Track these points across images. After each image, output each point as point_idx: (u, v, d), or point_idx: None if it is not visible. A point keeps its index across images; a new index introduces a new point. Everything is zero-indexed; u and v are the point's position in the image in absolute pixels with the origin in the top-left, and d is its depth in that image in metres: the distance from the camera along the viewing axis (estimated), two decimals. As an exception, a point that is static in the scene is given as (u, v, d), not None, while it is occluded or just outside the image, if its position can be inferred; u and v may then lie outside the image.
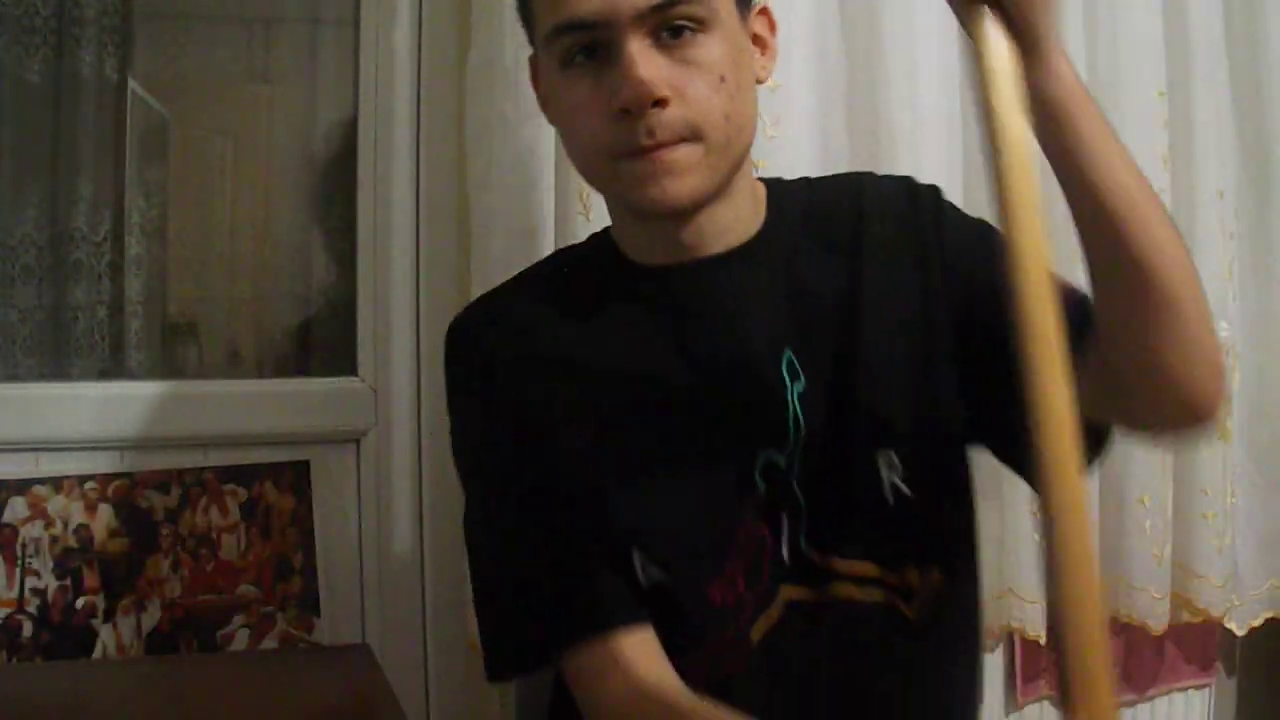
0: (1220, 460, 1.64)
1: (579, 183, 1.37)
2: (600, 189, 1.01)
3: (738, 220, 0.99)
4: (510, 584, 1.01)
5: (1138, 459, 1.60)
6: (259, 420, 1.51)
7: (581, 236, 1.32)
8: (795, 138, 1.42)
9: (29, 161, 1.59)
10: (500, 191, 1.40)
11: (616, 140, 0.91)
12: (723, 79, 0.91)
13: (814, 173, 1.46)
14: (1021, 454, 0.80)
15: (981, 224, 1.02)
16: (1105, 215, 0.89)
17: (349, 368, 1.58)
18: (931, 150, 1.49)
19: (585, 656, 0.96)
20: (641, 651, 0.96)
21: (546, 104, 1.01)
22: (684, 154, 0.91)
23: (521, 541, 1.00)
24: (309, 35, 1.72)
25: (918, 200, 1.04)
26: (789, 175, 1.40)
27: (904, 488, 0.98)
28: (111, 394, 1.50)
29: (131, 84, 1.62)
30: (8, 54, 1.55)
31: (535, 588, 0.99)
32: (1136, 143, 1.57)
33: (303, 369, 1.69)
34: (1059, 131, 0.86)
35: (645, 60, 0.88)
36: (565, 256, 1.14)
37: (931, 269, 1.00)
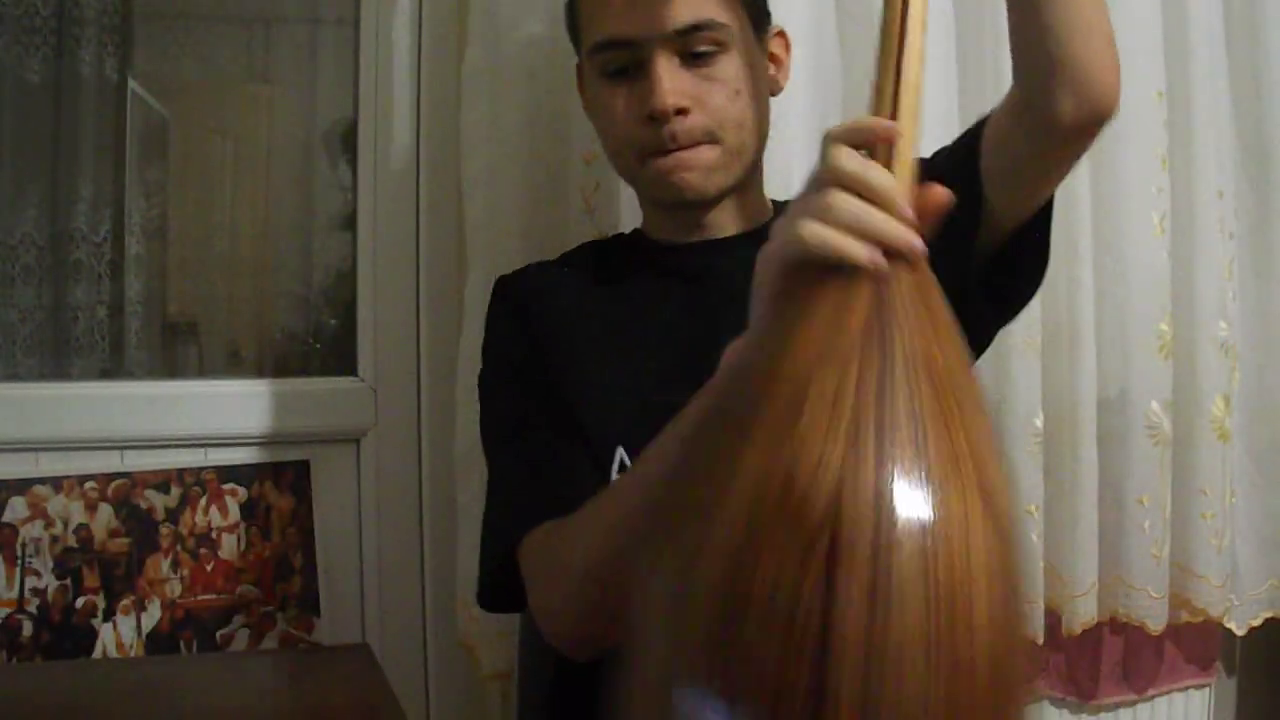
0: (1220, 460, 1.64)
1: (581, 182, 1.38)
2: (630, 181, 1.16)
3: (748, 211, 1.14)
4: (499, 482, 1.10)
5: (1137, 459, 1.60)
6: (259, 420, 1.51)
7: (584, 237, 1.33)
8: (794, 139, 1.42)
9: (29, 161, 1.59)
10: (500, 192, 1.40)
11: (645, 142, 1.07)
12: (738, 91, 1.07)
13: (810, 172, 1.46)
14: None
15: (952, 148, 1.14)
16: None
17: (349, 368, 1.58)
18: (929, 151, 1.49)
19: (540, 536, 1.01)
20: None
21: (590, 107, 1.16)
22: (703, 153, 1.07)
23: (519, 437, 1.09)
24: (309, 35, 1.72)
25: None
26: (787, 175, 1.41)
27: None
28: (111, 394, 1.50)
29: (131, 84, 1.62)
30: (8, 54, 1.55)
31: (521, 484, 1.07)
32: (1136, 143, 1.57)
33: (303, 369, 1.69)
34: None
35: (670, 75, 1.04)
36: (599, 241, 1.28)
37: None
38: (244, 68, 1.76)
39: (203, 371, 1.71)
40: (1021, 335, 1.52)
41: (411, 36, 1.54)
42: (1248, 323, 1.70)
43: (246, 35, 1.75)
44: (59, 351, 1.57)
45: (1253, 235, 1.71)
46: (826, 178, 0.74)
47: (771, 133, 1.39)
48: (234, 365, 1.73)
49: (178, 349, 1.70)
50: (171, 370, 1.68)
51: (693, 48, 1.05)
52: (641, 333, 1.12)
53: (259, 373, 1.71)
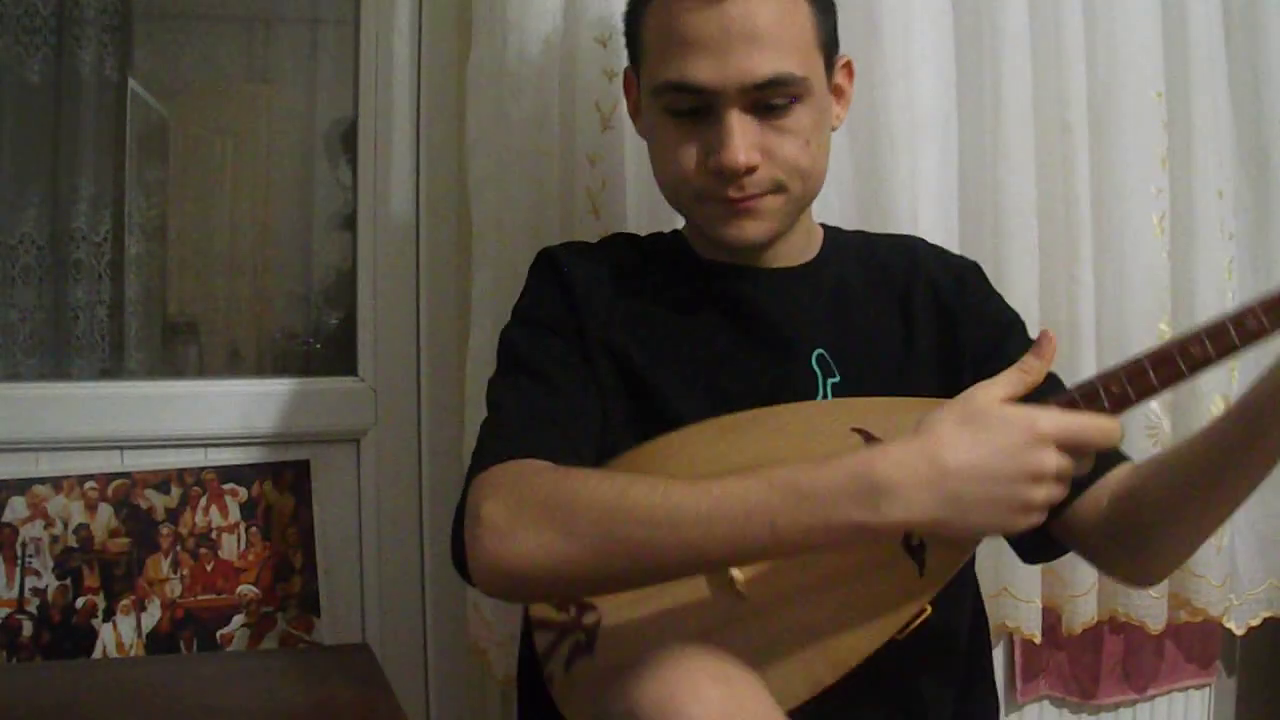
0: (1219, 460, 1.64)
1: (588, 182, 1.38)
2: (678, 210, 1.14)
3: (796, 247, 1.14)
4: (506, 405, 1.03)
5: (1135, 459, 1.60)
6: (259, 420, 1.51)
7: (590, 237, 1.33)
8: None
9: (29, 161, 1.59)
10: (506, 192, 1.40)
11: (706, 188, 1.05)
12: (807, 142, 1.05)
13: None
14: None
15: (1013, 313, 1.18)
16: (1245, 494, 0.98)
17: (349, 367, 1.58)
18: (929, 150, 1.49)
19: (508, 469, 0.94)
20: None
21: (640, 119, 1.14)
22: (766, 202, 1.05)
23: (533, 372, 1.04)
24: (309, 35, 1.73)
25: (969, 271, 1.20)
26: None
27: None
28: (111, 393, 1.50)
29: (131, 84, 1.62)
30: (8, 54, 1.55)
31: (520, 411, 1.02)
32: (1136, 143, 1.57)
33: (303, 369, 1.69)
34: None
35: (742, 130, 1.01)
36: (639, 240, 1.23)
37: (969, 331, 1.12)
38: (244, 67, 1.76)
39: (203, 371, 1.71)
40: (1021, 335, 1.52)
41: (411, 36, 1.54)
42: (1247, 323, 1.70)
43: (246, 35, 1.75)
44: (59, 351, 1.57)
45: (1252, 235, 1.71)
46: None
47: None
48: (234, 365, 1.73)
49: (178, 349, 1.70)
50: (172, 370, 1.68)
51: (768, 100, 1.02)
52: (677, 347, 1.09)
53: (259, 372, 1.71)
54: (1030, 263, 1.53)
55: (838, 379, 1.08)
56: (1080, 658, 1.72)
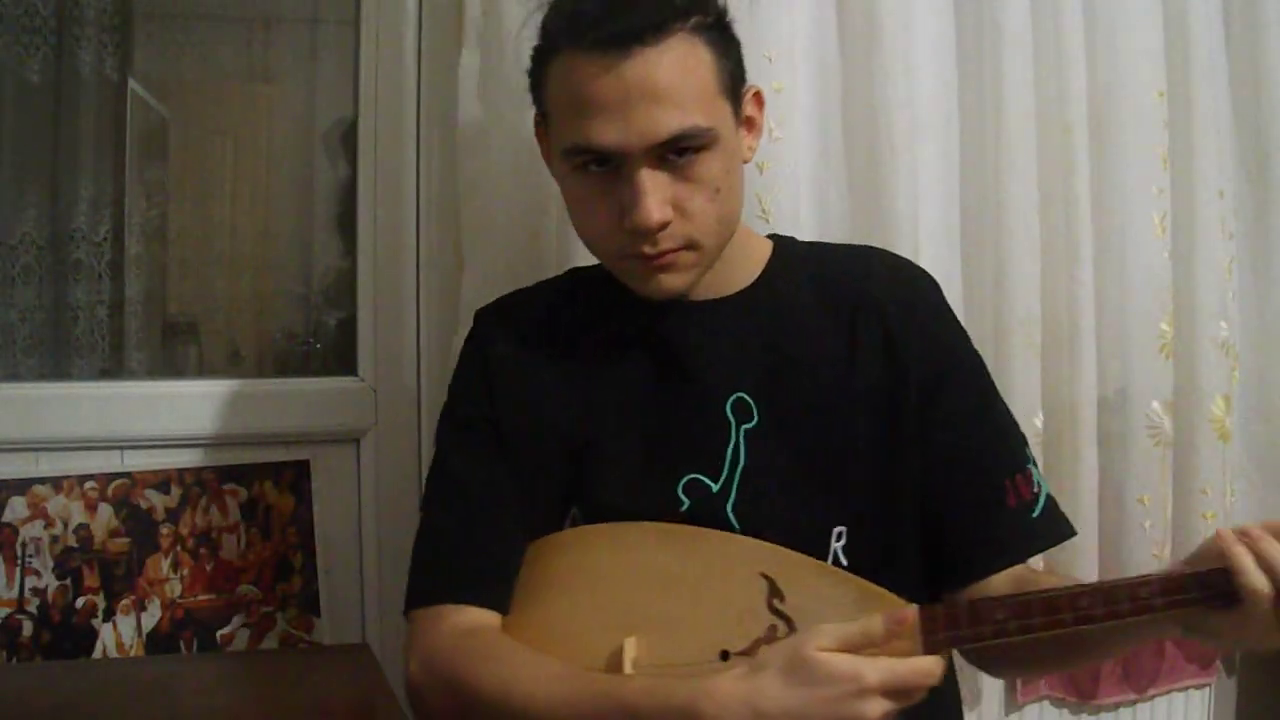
0: (1220, 460, 1.64)
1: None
2: (601, 260, 1.12)
3: (727, 276, 1.12)
4: (433, 531, 1.12)
5: (1138, 459, 1.60)
6: (259, 420, 1.50)
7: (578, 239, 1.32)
8: (796, 139, 1.42)
9: (29, 161, 1.59)
10: (501, 194, 1.40)
11: (623, 246, 1.04)
12: (717, 190, 1.03)
13: (813, 173, 1.47)
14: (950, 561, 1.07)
15: (964, 331, 1.16)
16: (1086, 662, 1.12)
17: (349, 367, 1.58)
18: (929, 150, 1.49)
19: (436, 617, 1.06)
20: (482, 622, 1.06)
21: (558, 179, 1.11)
22: (681, 257, 1.04)
23: (459, 500, 1.11)
24: (309, 35, 1.73)
25: (921, 291, 1.16)
26: (790, 176, 1.41)
27: (843, 559, 1.06)
28: (112, 393, 1.50)
29: (131, 84, 1.62)
30: (8, 54, 1.55)
31: (445, 538, 1.10)
32: (1137, 143, 1.57)
33: (303, 369, 1.69)
34: (1143, 640, 1.02)
35: (653, 186, 1.00)
36: (579, 275, 1.23)
37: (915, 356, 1.10)
38: (244, 67, 1.76)
39: (203, 371, 1.71)
40: (1021, 334, 1.52)
41: (411, 36, 1.54)
42: (1248, 322, 1.70)
43: (247, 35, 1.75)
44: (59, 351, 1.57)
45: (1253, 235, 1.71)
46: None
47: (776, 133, 1.40)
48: (234, 365, 1.73)
49: (178, 349, 1.70)
50: (171, 370, 1.68)
51: (674, 150, 1.00)
52: (605, 399, 1.10)
53: (259, 372, 1.71)
54: (1031, 263, 1.53)
55: (754, 423, 1.08)
56: (1080, 658, 1.72)
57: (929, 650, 0.91)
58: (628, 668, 0.99)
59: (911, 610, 0.91)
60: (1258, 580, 0.87)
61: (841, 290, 1.13)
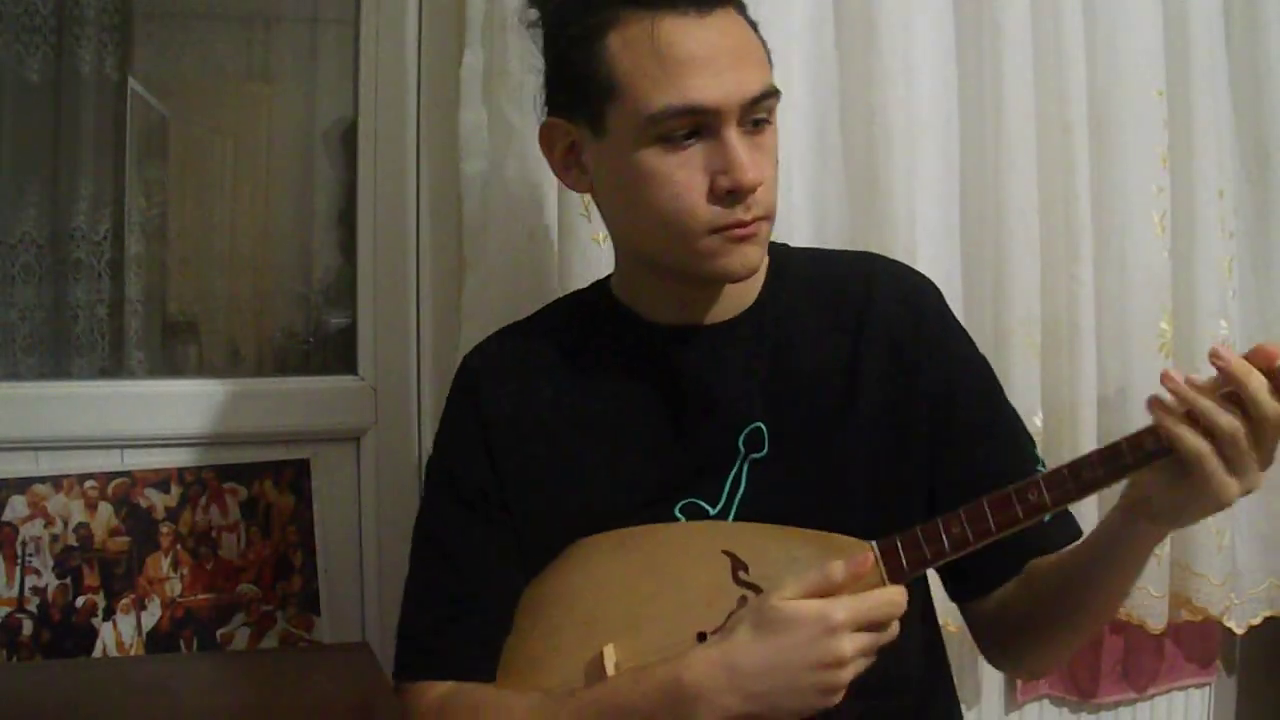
0: (1220, 459, 1.64)
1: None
2: (668, 258, 1.04)
3: (730, 296, 1.08)
4: (420, 597, 1.12)
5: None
6: (259, 419, 1.51)
7: (582, 239, 1.32)
8: (792, 138, 1.42)
9: (29, 161, 1.59)
10: (498, 193, 1.40)
11: (718, 216, 0.99)
12: (776, 163, 1.03)
13: (810, 174, 1.47)
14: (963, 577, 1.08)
15: (968, 336, 1.15)
16: (1105, 617, 1.12)
17: (349, 366, 1.58)
18: (928, 149, 1.49)
19: (423, 691, 1.07)
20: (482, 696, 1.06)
21: (575, 173, 1.07)
22: (764, 228, 1.02)
23: (444, 562, 1.10)
24: (309, 35, 1.73)
25: (927, 301, 1.14)
26: (787, 175, 1.41)
27: None
28: (111, 392, 1.50)
29: (131, 83, 1.62)
30: (8, 53, 1.55)
31: (432, 610, 1.10)
32: (1136, 142, 1.57)
33: (303, 367, 1.69)
34: (1126, 563, 1.01)
35: (745, 148, 0.97)
36: (571, 304, 1.20)
37: (925, 371, 1.08)
38: (244, 67, 1.76)
39: (203, 370, 1.71)
40: (1021, 334, 1.52)
41: (411, 36, 1.54)
42: (1248, 321, 1.70)
43: (246, 34, 1.75)
44: (59, 350, 1.57)
45: (1253, 234, 1.71)
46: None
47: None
48: (234, 364, 1.73)
49: (178, 348, 1.70)
50: (171, 369, 1.68)
51: (753, 116, 0.99)
52: (609, 432, 1.08)
53: (259, 371, 1.71)
54: (1031, 262, 1.53)
55: (763, 453, 1.06)
56: (1080, 657, 1.72)
57: (894, 581, 0.94)
58: (610, 672, 0.99)
59: (868, 547, 0.95)
60: (1194, 443, 0.89)
61: (844, 303, 1.11)
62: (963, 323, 1.19)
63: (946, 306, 1.15)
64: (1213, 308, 1.62)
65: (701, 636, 0.98)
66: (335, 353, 1.64)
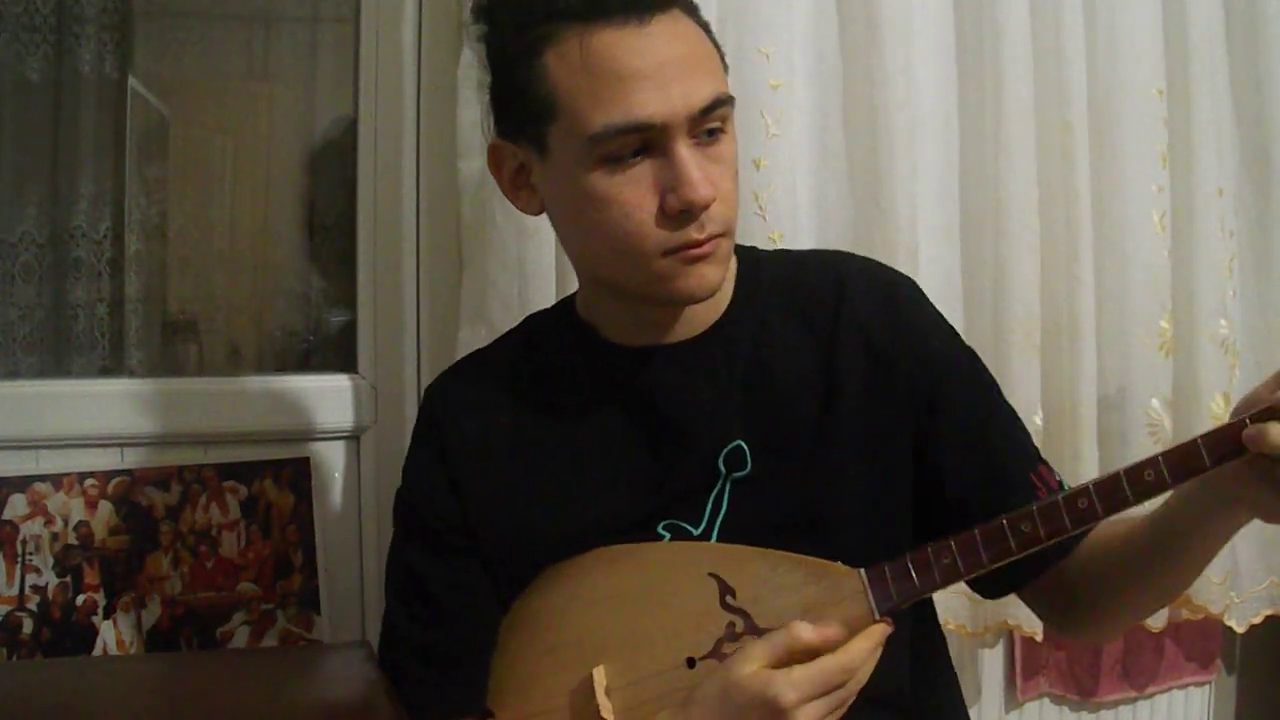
0: (1220, 458, 1.64)
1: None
2: (624, 281, 0.99)
3: (696, 309, 1.03)
4: (398, 634, 1.10)
5: (1136, 456, 1.59)
6: (259, 417, 1.51)
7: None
8: (794, 137, 1.42)
9: (29, 160, 1.59)
10: (495, 192, 1.39)
11: (669, 238, 0.94)
12: (735, 173, 0.98)
13: (813, 172, 1.47)
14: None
15: (952, 330, 1.10)
16: (1183, 584, 1.05)
17: (349, 365, 1.58)
18: (929, 150, 1.49)
19: None
20: None
21: (524, 194, 1.02)
22: (721, 245, 0.96)
23: (416, 599, 1.08)
24: (309, 34, 1.73)
25: (902, 299, 1.08)
26: (788, 174, 1.41)
27: None
28: (111, 391, 1.50)
29: (131, 82, 1.62)
30: (8, 52, 1.55)
31: (410, 650, 1.08)
32: (1137, 141, 1.58)
33: (302, 366, 1.69)
34: (1217, 530, 0.96)
35: (695, 162, 0.92)
36: (536, 326, 1.16)
37: (903, 369, 1.04)
38: (244, 66, 1.76)
39: (203, 369, 1.71)
40: (1021, 333, 1.52)
41: (411, 36, 1.54)
42: (1248, 320, 1.70)
43: (247, 33, 1.75)
44: (59, 349, 1.57)
45: (1253, 233, 1.71)
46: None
47: (773, 130, 1.40)
48: (234, 362, 1.73)
49: (178, 346, 1.70)
50: (171, 368, 1.68)
51: (705, 127, 0.93)
52: (583, 457, 1.05)
53: (259, 370, 1.71)
54: (1031, 262, 1.53)
55: (745, 471, 1.02)
56: (1080, 655, 1.72)
57: (883, 611, 0.90)
58: (600, 696, 0.98)
59: (856, 575, 0.91)
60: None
61: (817, 307, 1.06)
62: (963, 322, 1.19)
63: (925, 301, 1.10)
64: (1213, 307, 1.62)
65: (690, 662, 0.96)
66: (335, 351, 1.64)
